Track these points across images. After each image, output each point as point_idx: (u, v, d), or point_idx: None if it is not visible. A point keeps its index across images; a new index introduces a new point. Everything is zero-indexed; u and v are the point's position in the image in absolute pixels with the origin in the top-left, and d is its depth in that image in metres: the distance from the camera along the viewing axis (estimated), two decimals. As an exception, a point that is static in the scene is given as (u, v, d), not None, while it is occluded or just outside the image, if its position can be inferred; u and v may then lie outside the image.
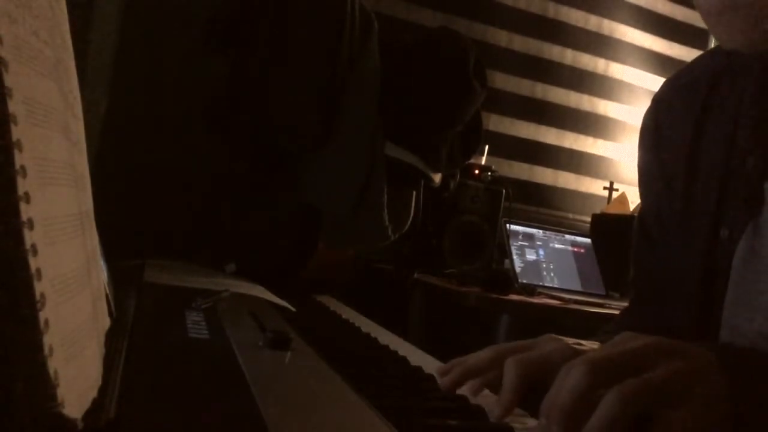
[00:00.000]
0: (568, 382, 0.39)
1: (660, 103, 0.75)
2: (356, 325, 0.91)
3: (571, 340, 0.52)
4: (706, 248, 0.62)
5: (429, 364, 0.69)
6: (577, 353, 0.48)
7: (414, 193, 1.44)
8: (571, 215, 2.63)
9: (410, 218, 1.44)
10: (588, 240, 2.14)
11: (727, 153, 0.62)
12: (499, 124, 2.51)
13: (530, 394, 0.49)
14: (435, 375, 0.56)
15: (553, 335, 0.54)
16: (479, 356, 0.55)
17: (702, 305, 0.62)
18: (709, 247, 0.61)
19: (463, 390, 0.55)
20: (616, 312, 1.68)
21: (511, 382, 0.48)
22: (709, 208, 0.62)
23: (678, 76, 0.75)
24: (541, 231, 2.07)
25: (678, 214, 0.67)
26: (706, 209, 0.63)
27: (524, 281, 1.88)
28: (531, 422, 0.51)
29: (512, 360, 0.49)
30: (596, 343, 0.55)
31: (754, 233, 0.57)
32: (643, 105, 2.76)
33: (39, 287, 0.27)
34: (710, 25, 0.58)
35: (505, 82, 2.52)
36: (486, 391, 0.56)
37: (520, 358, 0.49)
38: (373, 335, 0.83)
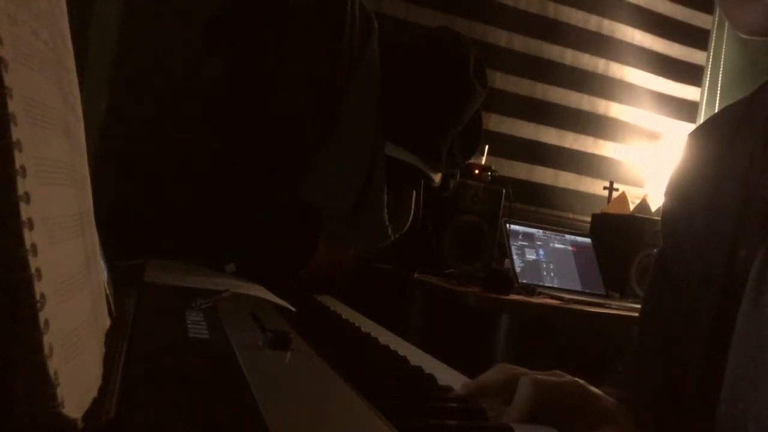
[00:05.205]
0: None
1: (684, 150, 0.72)
2: (356, 325, 0.91)
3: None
4: (724, 271, 0.58)
5: (429, 363, 0.69)
6: (588, 390, 0.52)
7: (414, 193, 1.44)
8: (571, 215, 2.63)
9: (410, 218, 1.44)
10: (588, 240, 2.14)
11: (747, 173, 0.59)
12: (499, 124, 2.51)
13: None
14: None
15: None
16: (494, 379, 0.55)
17: (715, 342, 0.57)
18: (727, 269, 0.58)
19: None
20: (616, 312, 1.69)
21: (526, 397, 0.49)
22: (729, 229, 0.59)
23: (698, 127, 0.73)
24: (541, 231, 2.07)
25: (698, 239, 0.64)
26: (726, 230, 0.59)
27: (524, 281, 1.87)
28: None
29: (530, 378, 0.50)
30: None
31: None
32: (643, 105, 2.77)
33: (39, 287, 0.27)
34: (728, 7, 0.55)
35: (505, 82, 2.52)
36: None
37: (536, 378, 0.51)
38: (373, 335, 0.83)
